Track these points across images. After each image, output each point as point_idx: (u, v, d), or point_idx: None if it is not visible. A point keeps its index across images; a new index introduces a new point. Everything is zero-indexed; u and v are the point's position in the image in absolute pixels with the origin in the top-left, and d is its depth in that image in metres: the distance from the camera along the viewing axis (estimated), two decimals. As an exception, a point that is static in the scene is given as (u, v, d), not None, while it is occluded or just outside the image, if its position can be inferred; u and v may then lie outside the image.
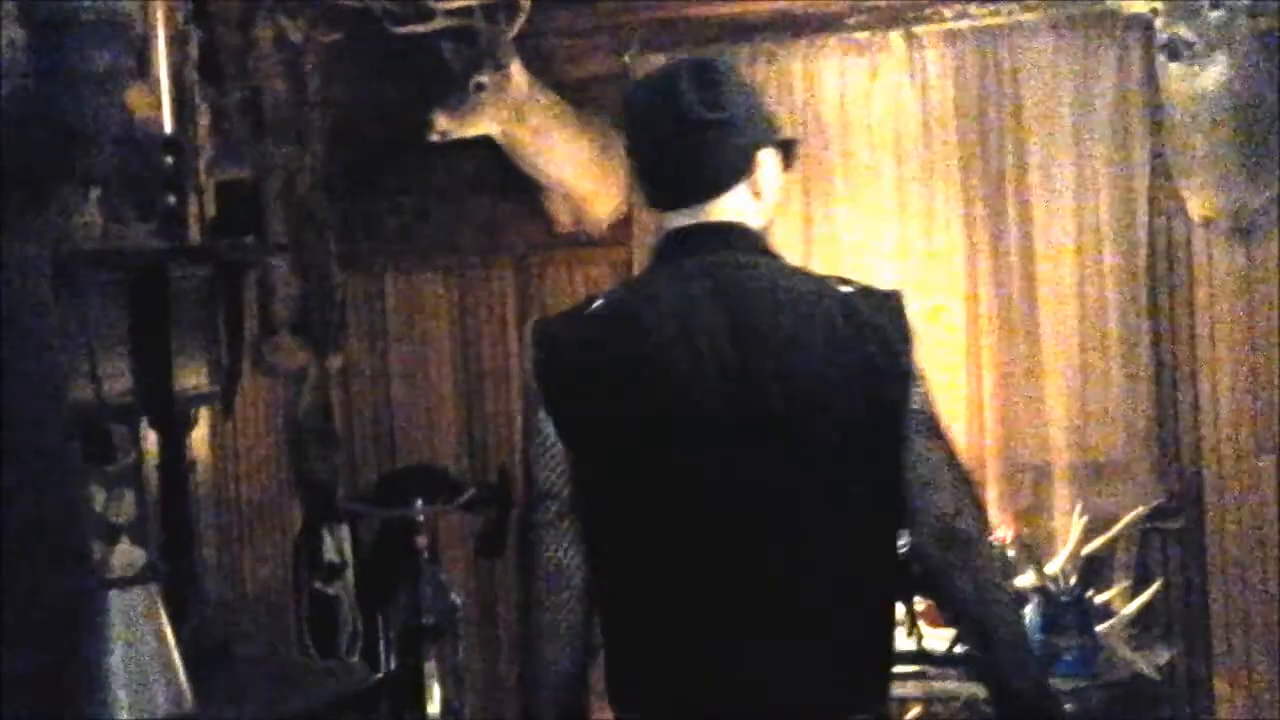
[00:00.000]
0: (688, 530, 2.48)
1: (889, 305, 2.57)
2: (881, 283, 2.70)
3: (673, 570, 2.50)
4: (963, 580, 2.56)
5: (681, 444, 2.48)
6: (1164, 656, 4.58)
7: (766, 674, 2.46)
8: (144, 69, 4.30)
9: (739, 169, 2.58)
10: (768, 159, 2.61)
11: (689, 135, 2.55)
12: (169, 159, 4.33)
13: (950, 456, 2.57)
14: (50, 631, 3.63)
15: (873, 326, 2.52)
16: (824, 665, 2.48)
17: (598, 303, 2.61)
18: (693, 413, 2.47)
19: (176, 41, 4.47)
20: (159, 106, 4.33)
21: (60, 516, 3.69)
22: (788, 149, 2.71)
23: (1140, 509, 4.71)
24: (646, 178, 2.64)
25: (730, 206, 2.58)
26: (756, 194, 2.61)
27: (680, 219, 2.60)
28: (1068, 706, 4.24)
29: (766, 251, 2.61)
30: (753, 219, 2.61)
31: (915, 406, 2.53)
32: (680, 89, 2.54)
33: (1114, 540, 4.63)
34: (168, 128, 4.34)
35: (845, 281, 2.61)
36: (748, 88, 2.66)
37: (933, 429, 2.55)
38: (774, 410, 2.46)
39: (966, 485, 2.59)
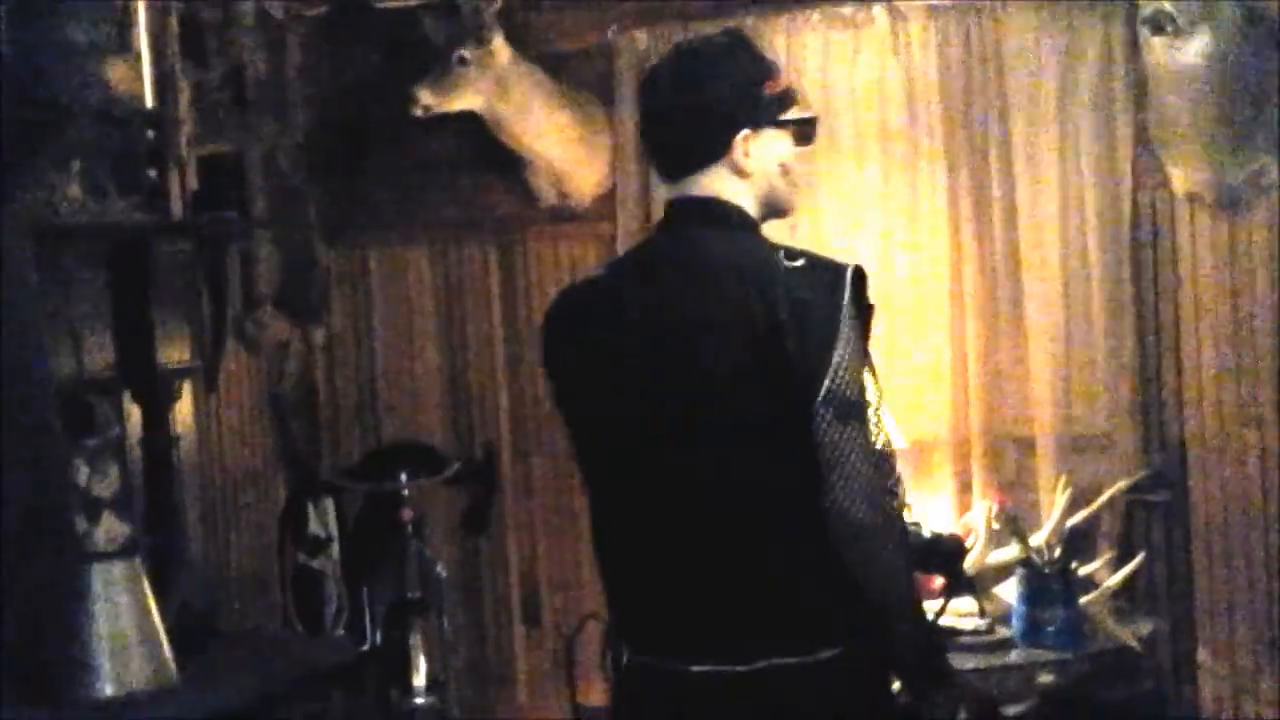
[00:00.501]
0: (635, 489, 2.71)
1: (830, 281, 2.61)
2: (855, 255, 2.80)
3: (627, 523, 2.75)
4: (856, 566, 2.61)
5: (623, 408, 2.69)
6: (1147, 628, 4.58)
7: (697, 616, 2.67)
8: (125, 43, 4.28)
9: (709, 151, 2.72)
10: (754, 141, 2.72)
11: (662, 116, 2.75)
12: (151, 133, 4.32)
13: (863, 444, 2.58)
14: (47, 607, 3.63)
15: (802, 302, 2.57)
16: (745, 611, 2.65)
17: (598, 271, 2.84)
18: (630, 379, 2.68)
19: (158, 15, 4.44)
20: (140, 80, 4.31)
21: (51, 492, 3.69)
22: (802, 127, 2.80)
23: (1124, 481, 4.72)
24: (644, 151, 2.91)
25: (709, 184, 2.72)
26: (741, 174, 2.72)
27: (671, 191, 2.77)
28: (1051, 678, 4.27)
29: (738, 226, 2.72)
30: (739, 197, 2.72)
31: (832, 385, 2.56)
32: (662, 71, 2.76)
33: (1098, 512, 4.63)
34: (149, 102, 4.33)
35: (796, 256, 2.66)
36: (738, 69, 2.74)
37: (846, 411, 2.57)
38: (692, 378, 2.62)
39: (875, 475, 2.60)
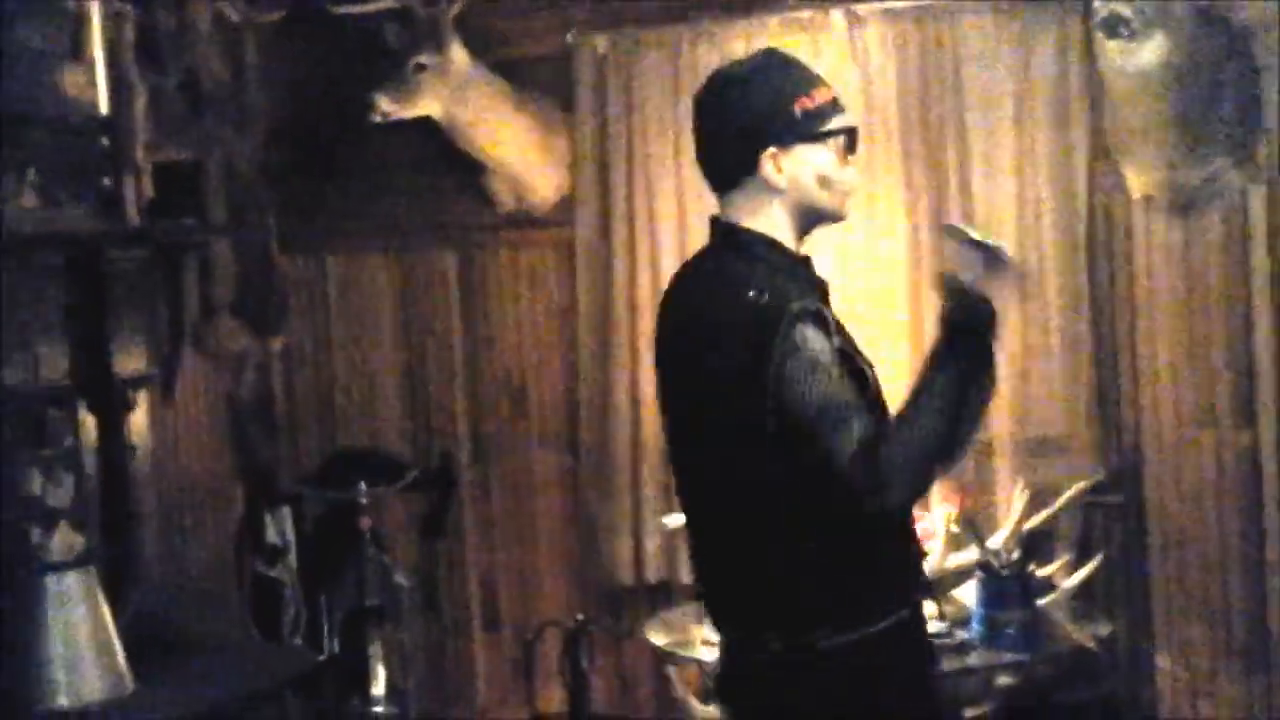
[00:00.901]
0: (677, 475, 2.96)
1: (768, 320, 2.67)
2: (813, 257, 2.88)
3: (683, 504, 2.97)
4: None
5: (664, 406, 2.93)
6: (1105, 630, 4.60)
7: (717, 595, 2.91)
8: (79, 50, 4.27)
9: (737, 171, 2.82)
10: (785, 157, 2.78)
11: (698, 140, 2.89)
12: (105, 140, 4.30)
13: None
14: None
15: (744, 338, 2.68)
16: (747, 603, 2.81)
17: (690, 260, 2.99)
18: (663, 384, 2.91)
19: (112, 21, 4.42)
20: (95, 87, 4.30)
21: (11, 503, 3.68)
22: (848, 138, 2.86)
23: (1081, 483, 4.73)
24: None
25: (740, 204, 2.83)
26: (773, 190, 2.80)
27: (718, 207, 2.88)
28: (1010, 680, 4.28)
29: (741, 250, 2.82)
30: (769, 213, 2.81)
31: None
32: (699, 96, 2.88)
33: (1055, 515, 4.65)
34: (104, 108, 4.31)
35: (765, 292, 2.72)
36: (762, 90, 2.81)
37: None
38: (685, 396, 2.85)
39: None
